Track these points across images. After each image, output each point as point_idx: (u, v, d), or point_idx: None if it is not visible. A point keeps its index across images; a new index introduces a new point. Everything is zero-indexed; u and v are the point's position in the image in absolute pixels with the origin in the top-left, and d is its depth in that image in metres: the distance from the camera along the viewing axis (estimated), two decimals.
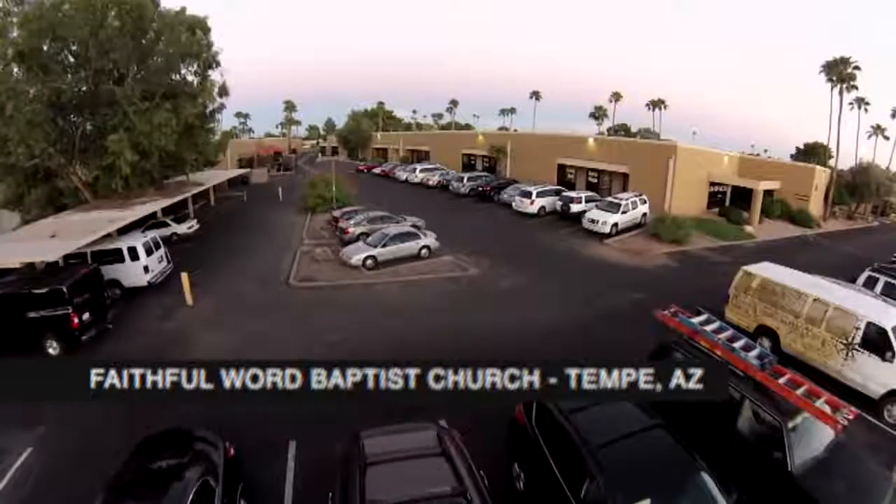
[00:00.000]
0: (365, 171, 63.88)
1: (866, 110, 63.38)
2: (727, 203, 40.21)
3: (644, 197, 32.28)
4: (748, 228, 34.95)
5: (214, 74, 28.61)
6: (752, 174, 39.79)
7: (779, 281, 16.37)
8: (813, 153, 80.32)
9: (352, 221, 27.85)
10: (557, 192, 34.76)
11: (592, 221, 29.64)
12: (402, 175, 52.76)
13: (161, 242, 22.63)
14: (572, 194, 32.91)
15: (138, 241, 20.98)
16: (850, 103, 64.53)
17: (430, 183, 47.85)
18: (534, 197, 33.45)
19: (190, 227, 30.57)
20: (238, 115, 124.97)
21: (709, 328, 12.01)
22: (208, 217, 37.32)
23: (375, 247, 23.17)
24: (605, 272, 23.82)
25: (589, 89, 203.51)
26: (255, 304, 19.50)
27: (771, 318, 16.17)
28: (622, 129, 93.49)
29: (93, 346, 15.90)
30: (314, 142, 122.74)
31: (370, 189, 46.16)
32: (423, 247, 24.24)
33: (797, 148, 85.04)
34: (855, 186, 51.70)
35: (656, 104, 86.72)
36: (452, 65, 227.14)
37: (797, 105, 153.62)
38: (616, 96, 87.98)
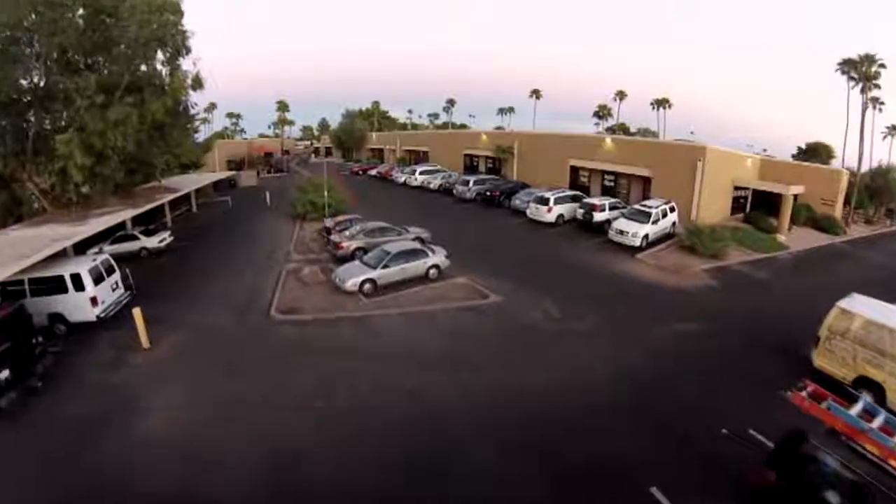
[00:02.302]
0: (360, 172, 59.50)
1: (881, 110, 59.70)
2: (748, 208, 36.51)
3: (673, 204, 28.43)
4: (779, 238, 31.12)
5: (186, 64, 24.21)
6: (774, 177, 36.00)
7: (885, 323, 12.71)
8: (815, 153, 77.26)
9: (346, 233, 23.74)
10: (574, 198, 30.76)
11: (620, 233, 25.65)
12: (401, 177, 48.34)
13: (115, 266, 18.36)
14: (595, 201, 28.88)
15: (83, 265, 16.77)
16: (865, 103, 61.20)
17: (432, 186, 43.62)
18: (551, 204, 29.40)
19: (162, 241, 26.20)
20: (230, 115, 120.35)
21: (875, 424, 8.02)
22: (187, 225, 33.09)
23: (375, 268, 19.04)
24: (646, 296, 19.94)
25: (590, 88, 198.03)
26: (226, 347, 15.36)
27: (877, 370, 12.66)
28: (620, 129, 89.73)
29: (8, 416, 11.69)
30: (308, 142, 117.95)
31: (366, 193, 41.95)
32: (432, 266, 20.15)
33: (798, 148, 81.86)
34: (874, 189, 48.28)
35: (661, 103, 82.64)
36: (449, 64, 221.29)
37: (795, 105, 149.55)
38: (620, 95, 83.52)
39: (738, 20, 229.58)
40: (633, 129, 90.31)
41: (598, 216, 27.84)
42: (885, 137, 63.06)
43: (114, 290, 17.81)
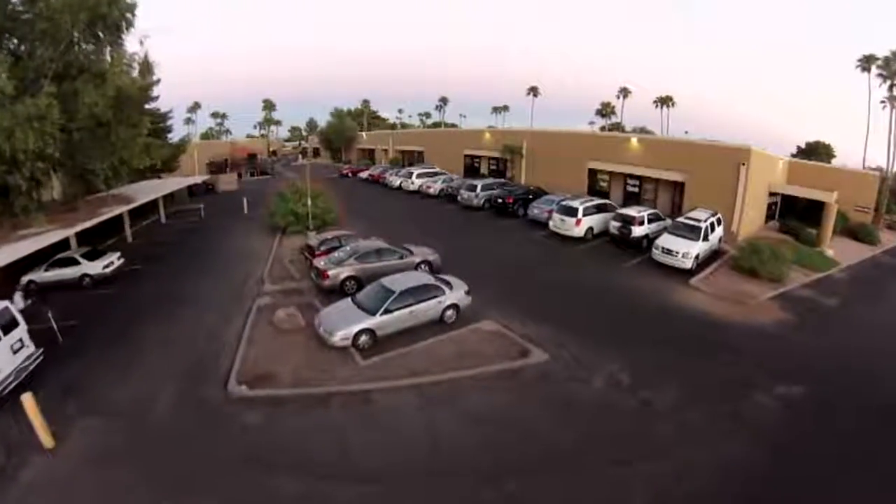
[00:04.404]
0: (349, 175, 53.92)
1: None
2: (776, 216, 32.17)
3: (720, 216, 23.85)
4: (828, 252, 26.63)
5: (132, 44, 18.98)
6: (803, 181, 31.62)
7: None
8: (814, 153, 73.95)
9: (333, 257, 18.54)
10: (601, 208, 25.78)
11: (668, 252, 20.86)
12: (395, 181, 42.71)
13: (19, 318, 13.04)
14: (632, 212, 23.94)
15: None
16: (882, 101, 57.34)
17: (431, 191, 38.12)
18: (580, 215, 24.46)
19: (107, 266, 20.78)
20: (215, 114, 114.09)
21: None
22: (149, 241, 27.68)
23: (373, 312, 13.91)
24: (721, 342, 15.26)
25: (588, 87, 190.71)
26: (159, 450, 10.20)
27: None
28: (615, 128, 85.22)
29: None
30: (296, 143, 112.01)
31: (356, 199, 36.74)
32: (449, 307, 15.10)
33: (798, 147, 78.55)
34: None
35: (664, 101, 77.90)
36: (441, 63, 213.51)
37: (791, 104, 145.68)
38: (624, 92, 78.21)
39: (734, 19, 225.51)
40: (628, 129, 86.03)
41: (637, 231, 22.98)
42: None
43: (16, 351, 12.54)
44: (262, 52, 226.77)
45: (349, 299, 14.97)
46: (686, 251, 20.57)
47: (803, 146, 77.87)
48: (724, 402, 11.92)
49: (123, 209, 24.04)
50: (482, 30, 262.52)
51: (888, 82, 44.87)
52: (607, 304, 17.64)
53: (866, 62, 50.77)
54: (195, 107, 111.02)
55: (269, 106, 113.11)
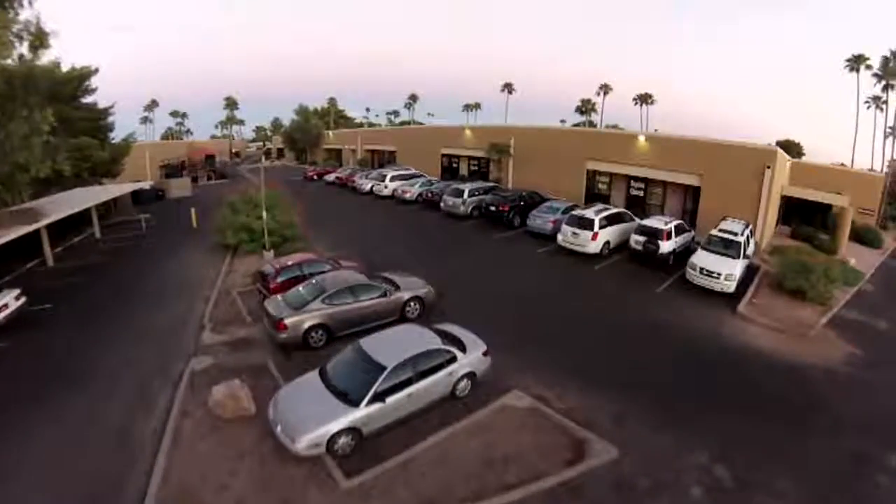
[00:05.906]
0: (315, 178, 48.28)
1: (882, 109, 54.16)
2: (781, 220, 29.36)
3: (751, 227, 20.45)
4: (851, 261, 23.70)
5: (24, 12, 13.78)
6: (806, 182, 29.05)
7: None
8: (786, 152, 73.31)
9: (293, 296, 13.57)
10: (616, 218, 21.65)
11: (706, 273, 17.05)
12: (366, 185, 37.38)
13: None
14: (658, 224, 19.86)
15: None
16: (866, 101, 56.01)
17: (408, 197, 33.05)
18: (597, 227, 20.20)
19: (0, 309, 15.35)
20: (174, 113, 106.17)
21: None
22: (72, 265, 22.11)
23: (355, 403, 9.12)
24: (804, 397, 11.66)
25: (565, 84, 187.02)
26: None
27: None
28: (590, 127, 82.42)
29: None
30: (260, 143, 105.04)
31: (322, 208, 31.78)
32: (464, 377, 10.58)
33: (769, 145, 77.74)
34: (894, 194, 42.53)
35: (643, 99, 75.05)
36: (408, 60, 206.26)
37: (760, 103, 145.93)
38: (605, 88, 74.59)
39: (715, 19, 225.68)
40: (602, 127, 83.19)
41: (665, 246, 19.06)
42: (886, 137, 58.23)
43: None
44: (225, 49, 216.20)
45: (317, 375, 10.04)
46: (729, 272, 16.81)
47: (773, 144, 77.27)
48: (844, 493, 8.41)
49: (25, 230, 18.41)
50: (452, 27, 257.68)
51: (883, 82, 43.12)
52: (655, 350, 13.50)
53: (855, 62, 49.03)
54: (153, 105, 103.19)
55: (231, 104, 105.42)
